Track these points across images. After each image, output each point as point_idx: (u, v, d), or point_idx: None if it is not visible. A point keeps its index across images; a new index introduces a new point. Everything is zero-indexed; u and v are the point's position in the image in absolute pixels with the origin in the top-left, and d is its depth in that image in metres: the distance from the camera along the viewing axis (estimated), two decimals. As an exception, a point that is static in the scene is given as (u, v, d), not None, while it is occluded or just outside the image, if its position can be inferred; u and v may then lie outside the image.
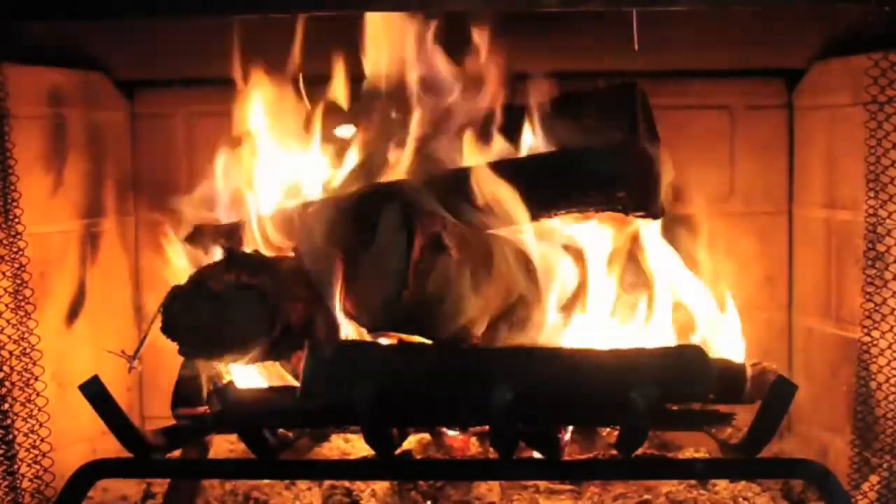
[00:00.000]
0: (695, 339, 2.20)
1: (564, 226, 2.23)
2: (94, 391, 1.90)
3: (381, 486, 2.14)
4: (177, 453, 2.13)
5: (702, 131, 2.52)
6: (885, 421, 2.00)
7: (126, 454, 1.96)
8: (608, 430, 2.22)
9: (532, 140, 2.23)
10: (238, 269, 2.01)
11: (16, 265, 2.05)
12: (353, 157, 2.31)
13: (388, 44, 2.20)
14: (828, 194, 2.34)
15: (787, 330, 2.54)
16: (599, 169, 2.12)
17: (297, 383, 1.99)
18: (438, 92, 2.23)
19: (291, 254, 2.12)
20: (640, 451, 1.99)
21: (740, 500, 2.14)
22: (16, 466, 2.03)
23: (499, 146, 2.23)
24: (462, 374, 1.94)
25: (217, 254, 2.16)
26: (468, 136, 2.24)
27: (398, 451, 2.07)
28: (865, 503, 2.01)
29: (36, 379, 2.06)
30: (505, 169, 2.18)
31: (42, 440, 2.07)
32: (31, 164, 2.18)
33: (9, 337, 2.03)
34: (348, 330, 2.07)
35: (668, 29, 2.19)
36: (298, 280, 2.06)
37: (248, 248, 2.14)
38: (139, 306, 2.57)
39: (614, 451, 2.04)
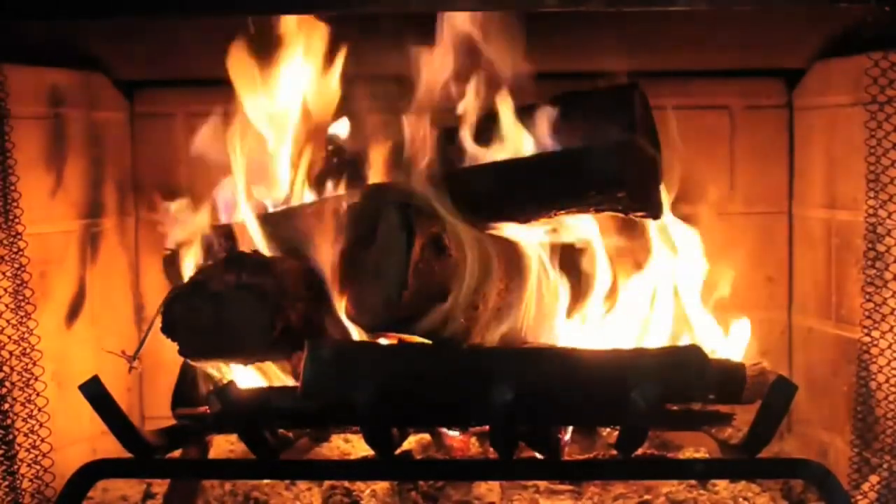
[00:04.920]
0: (694, 340, 2.20)
1: (564, 226, 2.23)
2: (94, 391, 1.90)
3: (381, 486, 2.14)
4: (177, 453, 2.13)
5: (702, 131, 2.52)
6: (885, 421, 2.00)
7: (126, 454, 1.96)
8: (608, 430, 2.22)
9: (532, 140, 2.23)
10: (238, 269, 2.01)
11: (16, 265, 2.04)
12: (352, 157, 2.32)
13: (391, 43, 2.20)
14: (828, 194, 2.34)
15: (787, 330, 2.54)
16: (599, 169, 2.11)
17: (297, 383, 1.99)
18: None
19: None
20: (640, 451, 1.99)
21: (740, 500, 2.14)
22: (16, 466, 2.02)
23: (499, 146, 2.23)
24: (462, 374, 1.94)
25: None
26: (469, 136, 2.24)
27: (398, 451, 2.07)
28: (865, 503, 2.01)
29: (36, 379, 2.06)
30: (505, 169, 2.18)
31: (42, 440, 2.06)
32: (31, 164, 2.18)
33: (9, 337, 2.03)
34: (348, 330, 2.07)
35: (668, 29, 2.19)
36: (298, 280, 2.06)
37: (247, 248, 2.15)
38: (139, 306, 2.57)
39: (614, 451, 2.03)
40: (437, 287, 2.03)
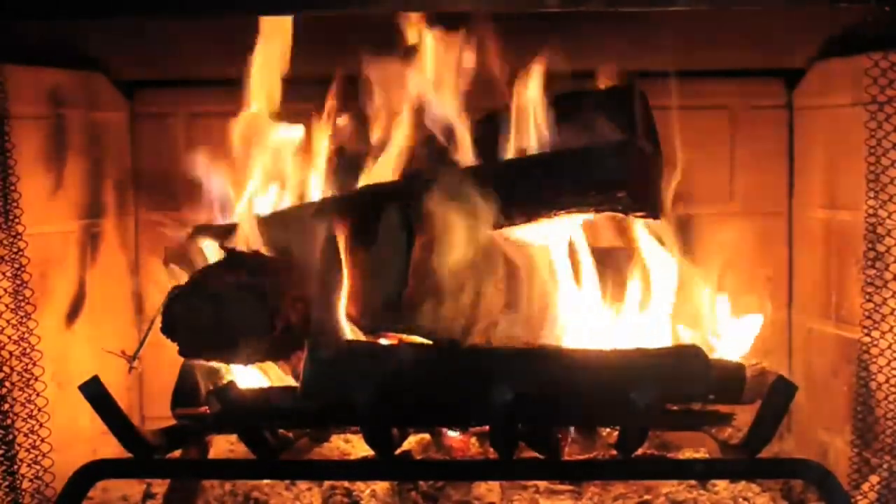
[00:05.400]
0: (694, 340, 2.20)
1: (564, 226, 2.22)
2: (94, 391, 1.91)
3: (381, 486, 2.14)
4: (177, 453, 2.13)
5: (702, 131, 2.52)
6: (885, 421, 2.00)
7: (126, 454, 1.96)
8: (608, 430, 2.22)
9: (532, 140, 2.23)
10: (238, 269, 2.01)
11: (16, 265, 2.04)
12: (351, 157, 2.32)
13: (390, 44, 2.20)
14: (828, 194, 2.34)
15: (787, 330, 2.54)
16: (599, 169, 2.11)
17: (297, 383, 1.99)
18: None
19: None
20: (640, 451, 1.99)
21: (740, 500, 2.14)
22: (16, 467, 2.02)
23: (499, 146, 2.23)
24: (462, 374, 1.94)
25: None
26: (468, 137, 2.24)
27: (398, 451, 2.07)
28: (865, 503, 2.01)
29: (36, 379, 2.06)
30: (505, 169, 2.18)
31: (42, 440, 2.07)
32: (31, 164, 2.18)
33: (9, 337, 2.03)
34: (348, 330, 2.07)
35: (668, 29, 2.19)
36: (298, 280, 2.06)
37: (247, 248, 2.15)
38: (139, 306, 2.57)
39: (614, 451, 2.04)
40: (436, 287, 2.03)
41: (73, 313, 2.33)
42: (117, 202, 2.52)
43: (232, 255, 2.08)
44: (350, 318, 2.06)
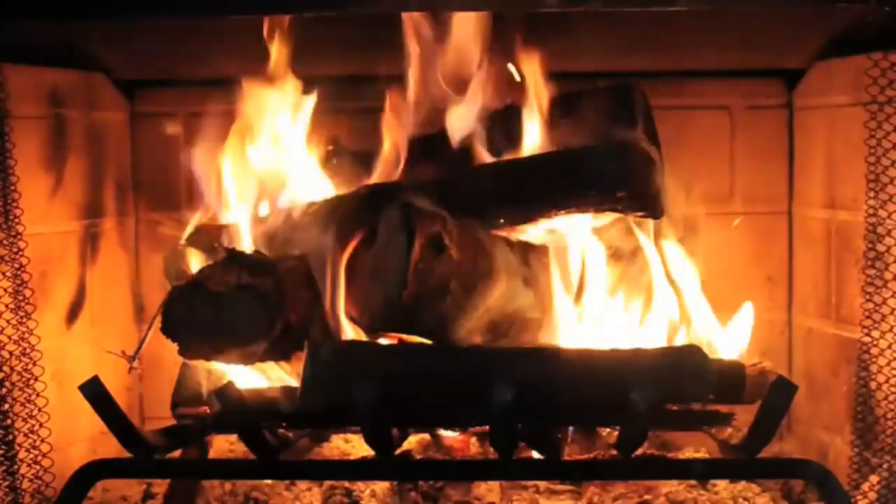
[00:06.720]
0: (695, 340, 2.20)
1: (564, 226, 2.23)
2: (94, 391, 1.90)
3: (381, 486, 2.14)
4: (177, 453, 2.13)
5: (702, 131, 2.52)
6: (885, 421, 2.00)
7: (126, 454, 1.96)
8: (608, 430, 2.22)
9: (532, 140, 2.23)
10: (238, 269, 2.01)
11: (16, 265, 2.04)
12: (352, 158, 2.32)
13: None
14: (828, 194, 2.34)
15: (787, 330, 2.54)
16: (599, 169, 2.11)
17: (297, 383, 1.99)
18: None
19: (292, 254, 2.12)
20: (640, 451, 1.99)
21: (740, 500, 2.15)
22: (16, 467, 2.02)
23: (499, 146, 2.23)
24: (462, 374, 1.94)
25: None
26: (468, 137, 2.24)
27: (398, 451, 2.07)
28: (865, 503, 2.01)
29: (36, 379, 2.06)
30: (505, 169, 2.18)
31: (42, 440, 2.06)
32: (31, 164, 2.18)
33: (9, 337, 2.03)
34: (348, 330, 2.07)
35: (668, 29, 2.20)
36: (298, 280, 2.06)
37: (248, 248, 2.15)
38: (139, 306, 2.57)
39: (614, 451, 2.04)
40: (437, 287, 2.03)
41: (73, 313, 2.33)
42: (117, 202, 2.52)
43: (232, 255, 2.08)
44: (350, 318, 2.06)
